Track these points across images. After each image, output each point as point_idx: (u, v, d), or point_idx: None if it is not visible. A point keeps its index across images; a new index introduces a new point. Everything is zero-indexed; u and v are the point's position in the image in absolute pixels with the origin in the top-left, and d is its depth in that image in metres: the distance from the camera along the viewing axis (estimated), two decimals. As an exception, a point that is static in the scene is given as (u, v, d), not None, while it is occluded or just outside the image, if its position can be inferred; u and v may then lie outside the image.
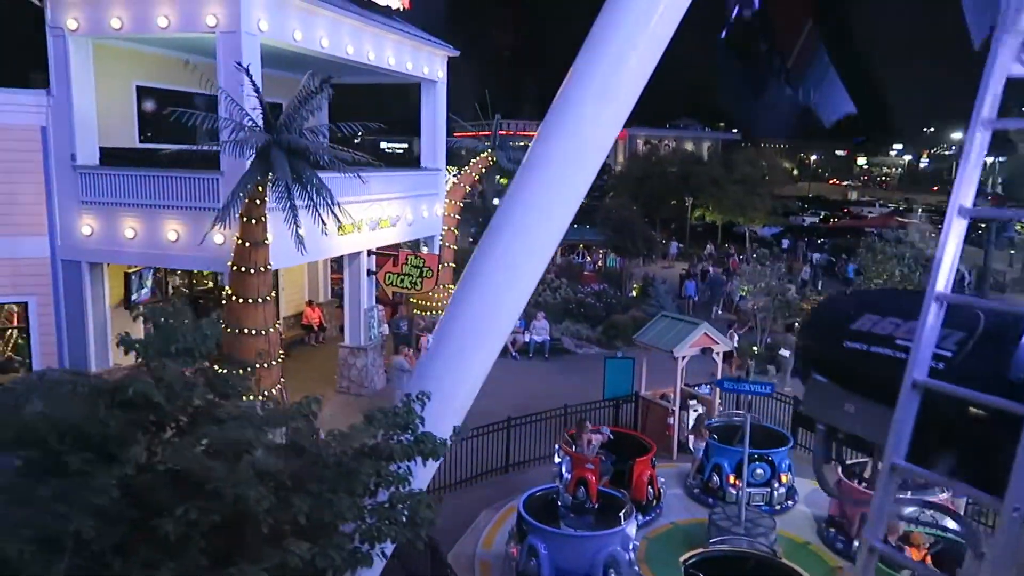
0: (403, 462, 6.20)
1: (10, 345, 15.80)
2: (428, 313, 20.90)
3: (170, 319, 6.13)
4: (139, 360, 7.28)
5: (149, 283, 16.80)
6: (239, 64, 11.88)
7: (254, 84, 11.68)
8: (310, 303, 22.61)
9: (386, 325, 20.06)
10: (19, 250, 14.88)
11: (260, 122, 12.06)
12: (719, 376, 14.99)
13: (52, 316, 15.35)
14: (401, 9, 19.05)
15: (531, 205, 8.21)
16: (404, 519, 5.69)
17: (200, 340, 5.83)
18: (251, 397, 6.64)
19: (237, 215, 12.19)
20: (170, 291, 18.90)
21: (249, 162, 12.38)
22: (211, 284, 19.79)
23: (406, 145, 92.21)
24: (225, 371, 5.83)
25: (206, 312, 19.38)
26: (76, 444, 4.86)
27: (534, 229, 8.20)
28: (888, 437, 2.86)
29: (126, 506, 4.72)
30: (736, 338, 19.96)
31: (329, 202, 12.37)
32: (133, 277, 16.03)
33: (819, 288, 31.33)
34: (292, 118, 12.00)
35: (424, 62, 20.09)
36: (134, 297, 16.24)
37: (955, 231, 2.80)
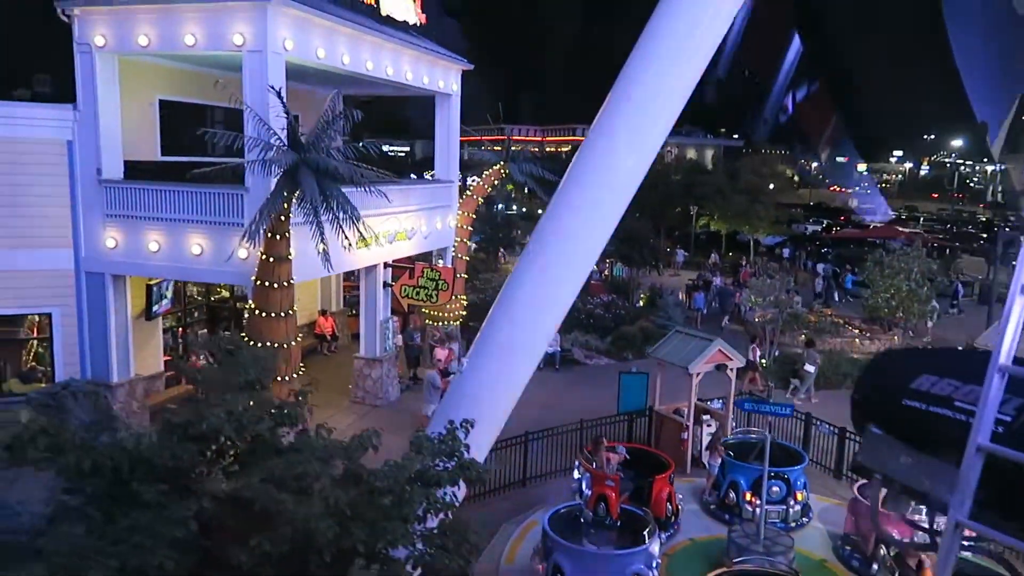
0: (449, 488, 6.44)
1: (32, 355, 16.01)
2: (441, 324, 21.12)
3: (226, 348, 6.33)
4: (184, 384, 7.49)
5: (169, 294, 17.00)
6: (272, 87, 12.11)
7: (284, 107, 11.92)
8: (323, 312, 22.81)
9: (400, 336, 20.27)
10: (44, 262, 15.10)
11: (288, 141, 12.31)
12: (733, 392, 15.25)
13: (75, 327, 15.56)
14: (418, 24, 19.31)
15: (567, 231, 8.46)
16: (453, 545, 5.92)
17: (261, 372, 6.05)
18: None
19: (264, 232, 12.41)
20: (186, 301, 19.10)
21: (275, 180, 12.63)
22: (227, 294, 19.99)
23: (407, 148, 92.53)
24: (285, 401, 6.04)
25: (224, 320, 19.67)
26: (148, 475, 5.08)
27: (569, 255, 8.46)
28: (953, 496, 3.09)
29: (197, 535, 4.94)
30: (758, 353, 20.13)
31: (354, 219, 12.63)
32: (155, 288, 16.24)
33: (834, 301, 31.07)
34: (320, 138, 12.24)
35: (439, 76, 20.34)
36: (155, 308, 16.46)
37: (1017, 308, 3.03)
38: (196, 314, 19.28)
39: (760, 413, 12.60)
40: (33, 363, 15.87)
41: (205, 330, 19.25)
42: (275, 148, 12.15)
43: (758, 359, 19.92)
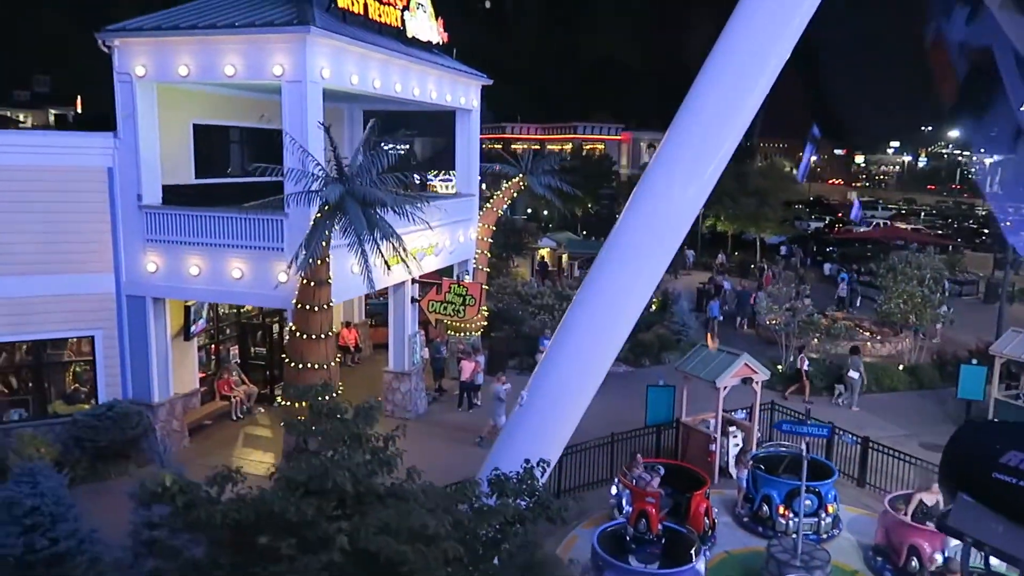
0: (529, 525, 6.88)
1: (74, 376, 16.40)
2: (464, 335, 21.49)
3: (323, 397, 6.76)
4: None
5: (204, 313, 17.40)
6: (321, 123, 12.47)
7: (331, 139, 12.27)
8: (347, 324, 23.19)
9: (426, 349, 20.68)
10: (87, 286, 15.50)
11: (332, 172, 12.69)
12: (758, 404, 15.70)
13: (116, 348, 15.97)
14: (441, 43, 19.65)
15: (626, 264, 8.88)
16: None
17: (366, 423, 6.48)
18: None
19: (314, 260, 12.78)
20: (218, 319, 19.46)
21: (317, 208, 13.00)
22: (256, 312, 20.34)
23: (407, 146, 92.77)
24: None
25: (252, 336, 20.05)
26: (274, 528, 5.50)
27: (630, 287, 8.88)
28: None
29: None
30: (807, 363, 20.53)
31: (396, 245, 13.04)
32: (192, 309, 16.64)
33: (856, 307, 30.90)
34: (365, 168, 12.62)
35: (461, 93, 20.73)
36: (192, 328, 16.85)
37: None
38: (228, 331, 19.66)
39: (798, 434, 13.03)
40: (76, 384, 16.27)
41: (236, 346, 19.65)
42: (320, 179, 12.53)
43: (806, 368, 20.23)
